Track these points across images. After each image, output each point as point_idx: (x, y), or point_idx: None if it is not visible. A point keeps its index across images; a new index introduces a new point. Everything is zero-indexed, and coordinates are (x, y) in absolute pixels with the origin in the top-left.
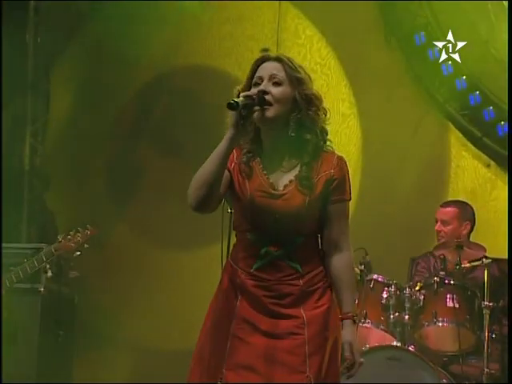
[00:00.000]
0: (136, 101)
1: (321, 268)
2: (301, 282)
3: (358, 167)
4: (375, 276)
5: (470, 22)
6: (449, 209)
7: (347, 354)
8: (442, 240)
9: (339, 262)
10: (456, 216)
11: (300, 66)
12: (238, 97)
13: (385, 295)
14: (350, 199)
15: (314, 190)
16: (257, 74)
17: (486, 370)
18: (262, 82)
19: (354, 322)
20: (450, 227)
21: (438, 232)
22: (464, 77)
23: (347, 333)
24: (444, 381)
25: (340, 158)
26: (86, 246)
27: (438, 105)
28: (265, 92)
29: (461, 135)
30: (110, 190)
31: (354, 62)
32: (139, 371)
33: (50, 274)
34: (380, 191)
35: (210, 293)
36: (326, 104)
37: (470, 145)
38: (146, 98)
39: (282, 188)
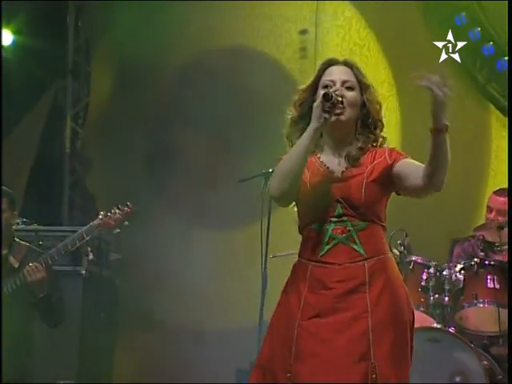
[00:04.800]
0: (174, 82)
1: (387, 256)
2: (365, 265)
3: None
4: (415, 257)
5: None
6: (504, 199)
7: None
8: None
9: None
10: None
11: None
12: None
13: (424, 277)
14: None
15: (371, 172)
16: (327, 77)
17: None
18: (334, 85)
19: None
20: (507, 218)
21: (492, 221)
22: (505, 58)
23: None
24: (484, 362)
25: (392, 148)
26: (126, 223)
27: (479, 86)
28: (343, 95)
29: (501, 116)
30: (150, 172)
31: (394, 43)
32: (180, 353)
33: (91, 256)
34: None
35: (248, 273)
36: None
37: None
38: (185, 80)
39: (339, 174)
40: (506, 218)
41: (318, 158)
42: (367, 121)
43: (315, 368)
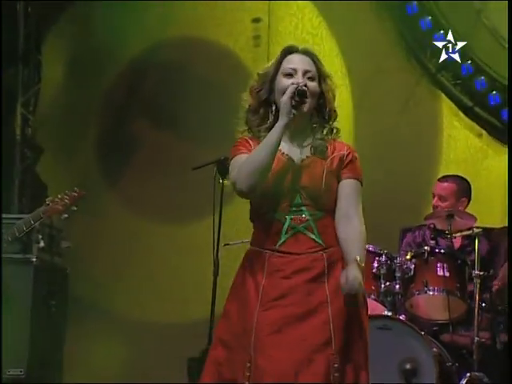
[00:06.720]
0: (128, 72)
1: None
2: (324, 255)
3: (349, 138)
4: (366, 245)
5: None
6: (446, 184)
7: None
8: None
9: (347, 227)
10: (454, 192)
11: None
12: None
13: (376, 265)
14: (362, 183)
15: (330, 164)
16: (288, 65)
17: (476, 338)
18: (296, 73)
19: (358, 264)
20: (447, 203)
21: (435, 207)
22: (456, 46)
23: (347, 269)
24: (434, 349)
25: (350, 146)
26: (74, 208)
27: (430, 75)
28: (306, 86)
29: (452, 105)
30: (102, 161)
31: (346, 32)
32: (130, 343)
33: (42, 244)
34: (372, 161)
35: (201, 265)
36: None
37: (461, 114)
38: (138, 70)
39: (299, 162)
40: (444, 203)
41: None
42: (323, 110)
43: (276, 358)
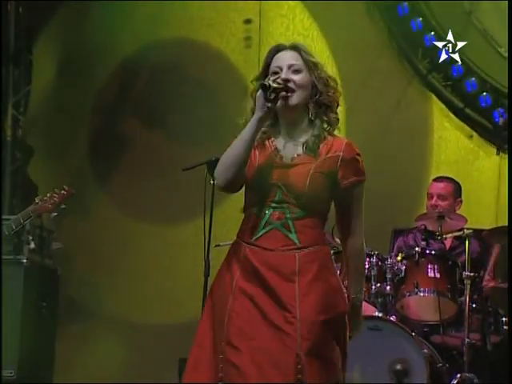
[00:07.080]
0: (119, 72)
1: (322, 248)
2: (297, 255)
3: None
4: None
5: None
6: (444, 184)
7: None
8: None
9: (349, 249)
10: (452, 191)
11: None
12: (266, 80)
13: (366, 266)
14: (363, 181)
15: (321, 164)
16: (274, 64)
17: (466, 339)
18: (281, 70)
19: (356, 304)
20: (447, 202)
21: (435, 207)
22: (443, 46)
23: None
24: (425, 350)
25: (349, 143)
26: (63, 206)
27: (421, 76)
28: (287, 80)
29: (443, 106)
30: (93, 162)
31: (337, 33)
32: (122, 344)
33: (32, 245)
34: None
35: (194, 266)
36: None
37: (452, 116)
38: (129, 70)
39: (289, 159)
40: (443, 203)
41: (272, 141)
42: (319, 99)
43: (245, 354)
